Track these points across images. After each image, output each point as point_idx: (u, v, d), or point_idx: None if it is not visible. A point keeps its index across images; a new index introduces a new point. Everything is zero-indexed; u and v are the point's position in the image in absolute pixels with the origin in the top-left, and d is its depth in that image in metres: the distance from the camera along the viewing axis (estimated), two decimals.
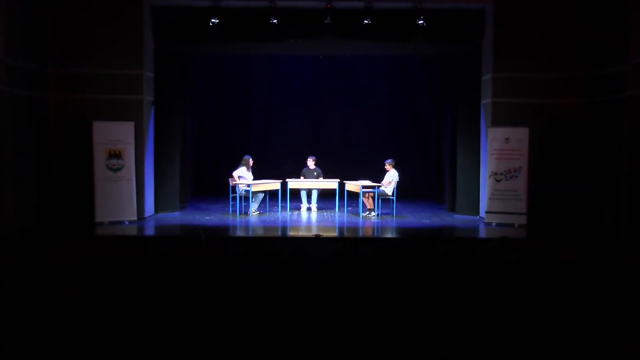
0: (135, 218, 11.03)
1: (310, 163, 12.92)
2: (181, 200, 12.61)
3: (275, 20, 11.08)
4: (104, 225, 10.61)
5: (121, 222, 10.82)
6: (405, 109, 15.83)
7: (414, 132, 15.74)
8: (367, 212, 11.94)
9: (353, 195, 12.56)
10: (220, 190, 14.40)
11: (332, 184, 12.59)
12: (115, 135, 10.86)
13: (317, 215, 12.19)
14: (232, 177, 12.12)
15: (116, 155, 10.89)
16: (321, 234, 9.74)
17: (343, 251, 6.03)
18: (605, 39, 10.27)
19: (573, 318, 4.83)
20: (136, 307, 5.09)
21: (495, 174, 10.95)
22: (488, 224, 10.92)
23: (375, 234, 10.50)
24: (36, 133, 10.36)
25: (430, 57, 14.21)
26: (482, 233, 10.50)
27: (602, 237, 9.70)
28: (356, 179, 12.57)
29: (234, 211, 12.05)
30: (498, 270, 5.59)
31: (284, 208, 12.55)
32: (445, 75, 13.20)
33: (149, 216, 11.55)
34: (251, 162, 12.25)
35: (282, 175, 13.05)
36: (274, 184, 12.52)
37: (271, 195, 12.79)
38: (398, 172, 11.97)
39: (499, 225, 10.80)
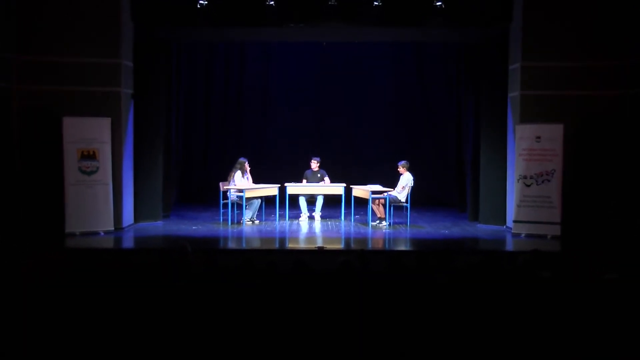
0: (112, 228, 11.01)
1: (314, 165, 12.90)
2: (165, 208, 12.61)
3: (272, 2, 11.07)
4: (75, 236, 10.58)
5: (95, 233, 10.80)
6: (421, 104, 15.80)
7: (431, 130, 15.72)
8: (377, 222, 11.91)
9: (361, 202, 12.53)
10: (209, 197, 14.39)
11: (338, 189, 12.57)
12: (88, 133, 10.84)
13: (321, 225, 12.16)
14: (225, 181, 12.12)
15: (90, 156, 10.87)
16: (324, 246, 9.72)
17: (349, 265, 6.04)
18: None
19: (613, 344, 4.78)
20: (113, 330, 5.09)
21: (525, 177, 10.90)
22: (516, 235, 10.89)
23: (386, 246, 10.49)
24: None
25: (449, 44, 14.19)
26: (510, 245, 10.47)
27: None
28: (365, 184, 12.55)
29: (225, 220, 12.03)
30: (528, 289, 5.58)
31: (282, 216, 12.53)
32: (467, 65, 13.18)
33: (128, 226, 11.53)
34: (247, 166, 12.22)
35: (280, 179, 13.02)
36: (271, 189, 12.49)
37: (267, 201, 12.76)
38: (413, 175, 11.95)
39: (528, 236, 10.76)
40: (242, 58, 15.91)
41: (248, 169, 12.26)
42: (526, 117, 11.12)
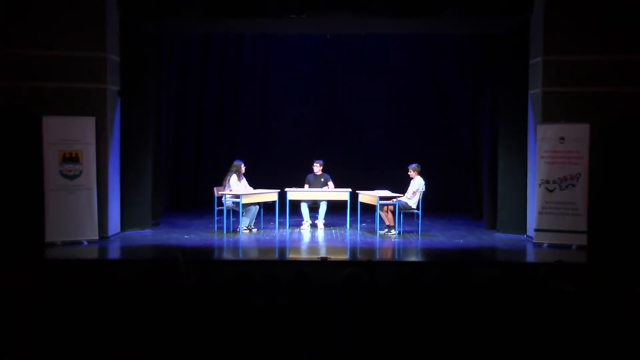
0: (97, 237, 11.00)
1: (317, 169, 12.90)
2: (154, 215, 12.62)
3: None
4: (56, 246, 10.57)
5: (78, 243, 10.79)
6: (432, 102, 15.86)
7: (444, 130, 15.80)
8: (386, 230, 11.91)
9: (368, 209, 12.54)
10: (202, 203, 14.43)
11: (343, 194, 12.57)
12: (71, 133, 10.84)
13: (324, 234, 12.15)
14: (219, 186, 12.12)
15: (72, 158, 10.87)
16: (329, 256, 9.71)
17: (355, 278, 5.98)
18: None
19: None
20: (97, 348, 5.08)
21: (547, 182, 10.88)
22: (538, 245, 10.87)
23: (396, 257, 10.50)
24: None
25: (463, 37, 14.25)
26: (531, 256, 10.45)
27: None
28: (372, 189, 12.57)
29: (220, 229, 12.02)
30: (551, 304, 5.57)
31: (282, 224, 12.53)
32: (484, 59, 13.18)
33: (114, 235, 11.53)
34: (243, 168, 12.23)
35: (280, 183, 13.03)
36: (270, 195, 12.51)
37: (266, 208, 12.79)
38: (425, 179, 11.94)
39: (551, 246, 10.74)
40: (238, 52, 15.96)
41: (243, 171, 12.25)
42: (548, 116, 11.10)
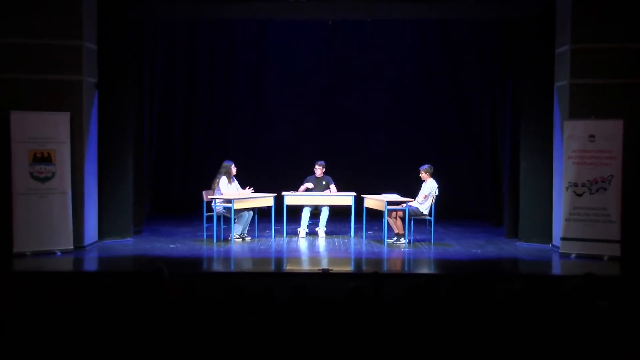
0: (72, 247, 10.98)
1: (318, 171, 12.90)
2: (136, 222, 12.63)
3: None
4: (26, 257, 10.55)
5: (51, 253, 10.75)
6: (447, 96, 15.90)
7: (459, 127, 15.84)
8: (395, 238, 11.91)
9: (375, 215, 12.54)
10: (190, 208, 14.44)
11: (346, 199, 12.57)
12: (43, 130, 10.81)
13: (326, 243, 12.16)
14: (208, 190, 12.12)
15: (44, 158, 10.84)
16: (330, 268, 9.67)
17: (360, 292, 6.04)
18: None
19: None
20: None
21: (576, 185, 10.87)
22: (565, 256, 10.86)
23: (406, 268, 10.53)
24: None
25: (482, 22, 14.33)
26: (557, 268, 10.48)
27: None
28: (379, 192, 12.53)
29: (210, 237, 12.04)
30: (580, 322, 5.58)
31: (278, 232, 12.54)
32: (504, 48, 13.22)
33: (91, 244, 11.51)
34: (233, 169, 12.22)
35: (276, 187, 13.03)
36: (265, 200, 12.49)
37: (261, 214, 12.78)
38: (438, 182, 11.94)
39: (580, 257, 10.73)
40: (230, 41, 15.98)
41: (234, 172, 12.24)
42: (577, 112, 11.08)
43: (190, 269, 10.00)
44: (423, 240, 12.03)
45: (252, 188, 12.26)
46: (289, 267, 10.48)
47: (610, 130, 10.70)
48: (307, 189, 12.78)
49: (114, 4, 11.69)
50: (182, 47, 15.81)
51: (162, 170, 15.86)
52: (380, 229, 12.29)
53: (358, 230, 12.67)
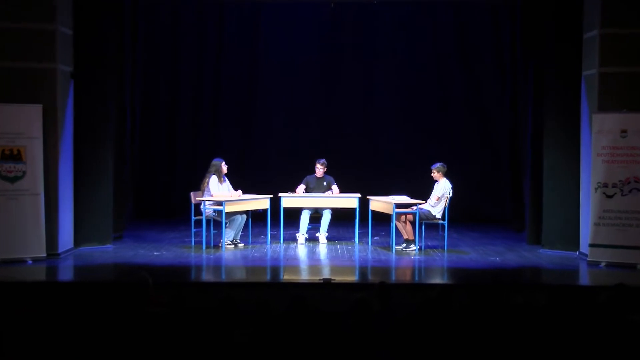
0: (44, 254, 10.97)
1: (318, 170, 12.90)
2: (117, 227, 12.64)
3: None
4: None
5: (21, 261, 10.75)
6: (461, 87, 15.95)
7: (475, 121, 15.91)
8: (404, 245, 11.91)
9: (382, 219, 12.56)
10: (176, 212, 14.50)
11: (350, 200, 12.58)
12: (11, 125, 10.80)
13: (327, 250, 12.18)
14: (197, 191, 12.14)
15: (14, 156, 10.83)
16: (333, 278, 9.66)
17: (366, 305, 6.03)
18: None
19: None
20: None
21: (606, 185, 10.87)
22: (594, 264, 10.86)
23: (416, 278, 10.56)
24: None
25: (501, 3, 14.20)
26: (585, 278, 10.51)
27: None
28: (387, 194, 12.55)
29: (199, 243, 12.06)
30: (611, 338, 5.57)
31: (275, 238, 12.59)
32: (525, 33, 13.22)
33: (66, 251, 11.50)
34: (224, 168, 12.21)
35: (272, 188, 13.06)
36: (260, 202, 12.51)
37: (255, 218, 12.80)
38: (452, 182, 11.94)
39: (611, 265, 10.73)
40: (220, 24, 16.00)
41: (225, 171, 12.23)
42: (607, 104, 11.08)
43: (177, 279, 10.00)
44: (435, 247, 12.06)
45: (239, 190, 12.25)
46: (286, 277, 10.51)
47: None
48: (305, 190, 12.77)
49: None
50: (167, 32, 15.80)
51: (146, 170, 15.86)
52: (388, 234, 12.33)
53: (363, 235, 12.69)
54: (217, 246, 11.98)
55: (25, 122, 10.84)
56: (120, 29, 12.81)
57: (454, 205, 12.02)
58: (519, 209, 13.83)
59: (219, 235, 11.99)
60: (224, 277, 10.50)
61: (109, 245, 12.08)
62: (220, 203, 11.78)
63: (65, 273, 10.58)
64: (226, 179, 12.28)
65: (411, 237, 11.82)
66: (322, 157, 13.05)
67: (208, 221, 11.99)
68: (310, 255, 11.78)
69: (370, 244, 12.37)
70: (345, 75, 15.95)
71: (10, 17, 10.91)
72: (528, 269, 10.86)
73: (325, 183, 12.87)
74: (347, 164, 14.77)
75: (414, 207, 11.79)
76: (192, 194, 12.19)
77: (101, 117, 12.07)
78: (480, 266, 10.82)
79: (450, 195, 11.84)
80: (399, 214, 11.81)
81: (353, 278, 10.53)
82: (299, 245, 12.43)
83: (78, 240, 11.85)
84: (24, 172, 10.86)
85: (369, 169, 15.32)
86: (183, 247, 12.09)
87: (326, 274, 10.23)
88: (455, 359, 5.38)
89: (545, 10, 12.20)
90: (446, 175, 11.92)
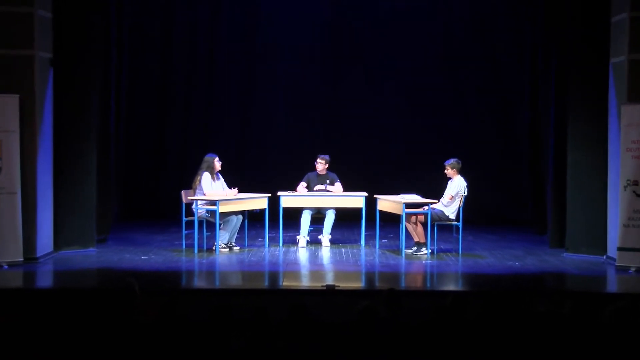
0: (21, 259, 10.97)
1: (320, 166, 12.88)
2: (100, 229, 12.65)
3: None
4: None
5: None
6: (477, 77, 15.87)
7: (492, 114, 15.91)
8: (415, 248, 11.94)
9: (391, 219, 12.57)
10: (166, 212, 14.55)
11: (356, 200, 12.59)
12: None
13: (331, 253, 12.20)
14: (189, 189, 12.15)
15: None
16: (336, 284, 9.66)
17: (373, 313, 6.04)
18: None
19: None
20: None
21: (636, 183, 10.84)
22: (622, 270, 10.84)
23: (428, 284, 10.65)
24: None
25: None
26: (612, 285, 10.56)
27: None
28: (396, 193, 12.56)
29: (190, 246, 12.06)
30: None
31: (273, 240, 12.62)
32: (547, 17, 13.22)
33: (45, 255, 11.49)
34: (217, 164, 12.21)
35: (271, 186, 13.09)
36: (258, 201, 12.51)
37: (252, 219, 12.84)
38: (467, 180, 11.93)
39: None
40: (214, 7, 15.95)
41: (218, 167, 12.23)
42: (638, 94, 11.05)
43: (167, 285, 10.01)
44: (449, 251, 12.10)
45: (236, 188, 12.23)
46: (285, 283, 10.46)
47: None
48: (307, 188, 12.78)
49: None
50: (157, 16, 15.82)
51: (133, 166, 15.89)
52: (397, 236, 12.34)
53: (370, 238, 12.72)
54: (210, 250, 12.02)
55: (0, 114, 10.84)
56: (105, 12, 12.79)
57: (469, 205, 12.06)
58: (540, 209, 13.83)
59: (213, 237, 12.02)
60: (217, 284, 10.58)
61: (92, 249, 12.08)
62: (213, 203, 11.80)
63: (45, 279, 10.64)
64: (220, 176, 12.30)
65: (422, 240, 11.83)
66: (324, 153, 13.03)
67: (200, 222, 12.00)
68: (312, 260, 11.81)
69: (377, 247, 12.42)
70: (350, 65, 15.98)
71: None
72: (550, 275, 10.86)
73: (327, 180, 12.85)
74: (352, 160, 14.82)
75: (426, 207, 11.77)
76: (183, 192, 12.18)
77: (84, 108, 12.03)
78: (498, 271, 10.85)
79: (465, 194, 11.84)
80: (409, 215, 11.81)
81: (359, 284, 10.54)
82: (299, 249, 12.45)
83: (58, 243, 11.86)
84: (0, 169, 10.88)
85: (376, 165, 15.37)
86: (173, 250, 12.10)
87: (329, 280, 10.27)
88: None
89: None
90: (461, 172, 11.92)
